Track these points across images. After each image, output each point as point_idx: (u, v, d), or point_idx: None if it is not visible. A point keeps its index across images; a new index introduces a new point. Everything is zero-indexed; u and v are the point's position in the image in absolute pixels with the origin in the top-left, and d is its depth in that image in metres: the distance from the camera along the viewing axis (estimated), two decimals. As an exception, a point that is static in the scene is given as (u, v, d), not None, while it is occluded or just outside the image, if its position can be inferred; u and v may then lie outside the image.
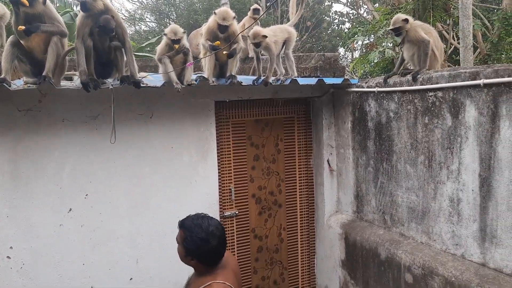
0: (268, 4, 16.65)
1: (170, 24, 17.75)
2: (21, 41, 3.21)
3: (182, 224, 2.23)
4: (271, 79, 3.95)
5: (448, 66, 8.71)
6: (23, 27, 3.03)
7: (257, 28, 3.79)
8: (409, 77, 3.55)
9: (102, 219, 3.68)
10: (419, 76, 3.45)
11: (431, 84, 3.33)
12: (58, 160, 3.52)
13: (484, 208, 2.98)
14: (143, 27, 19.37)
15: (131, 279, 3.81)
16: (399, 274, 3.53)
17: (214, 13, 3.69)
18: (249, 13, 5.50)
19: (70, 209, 3.58)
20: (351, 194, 4.32)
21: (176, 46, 3.55)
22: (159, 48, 3.66)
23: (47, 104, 3.44)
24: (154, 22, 19.52)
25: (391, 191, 3.79)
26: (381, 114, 3.86)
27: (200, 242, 2.16)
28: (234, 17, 3.73)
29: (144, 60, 6.24)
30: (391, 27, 3.65)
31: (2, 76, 3.09)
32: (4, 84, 3.03)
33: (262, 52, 3.98)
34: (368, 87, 3.99)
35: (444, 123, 3.24)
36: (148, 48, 13.10)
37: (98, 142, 3.60)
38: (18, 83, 3.43)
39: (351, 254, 4.15)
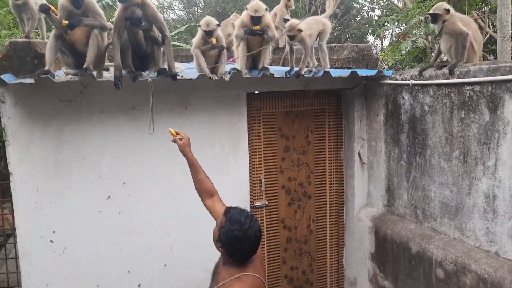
0: (296, -9, 16.46)
1: (198, 12, 17.84)
2: (64, 34, 3.32)
3: (227, 212, 2.28)
4: (304, 70, 3.95)
5: (484, 55, 8.45)
6: (67, 22, 3.14)
7: (293, 21, 3.79)
8: (445, 70, 3.49)
9: (139, 206, 3.82)
10: (456, 69, 3.39)
11: (469, 77, 3.26)
12: (98, 149, 3.65)
13: (522, 205, 2.94)
14: (171, 15, 19.51)
15: (165, 265, 3.94)
16: (430, 269, 3.53)
17: (246, 8, 3.74)
18: (282, 1, 5.46)
19: (109, 197, 3.73)
20: (382, 187, 4.31)
21: (213, 40, 3.61)
22: (194, 40, 3.73)
23: (88, 95, 3.56)
24: (182, 10, 19.64)
25: (424, 185, 3.77)
26: (415, 107, 3.82)
27: (233, 239, 2.20)
28: (266, 9, 3.76)
29: (175, 50, 6.33)
30: (430, 12, 3.57)
31: (46, 68, 3.22)
32: (48, 75, 3.16)
33: (295, 44, 3.98)
34: (402, 79, 3.94)
35: (481, 118, 3.19)
36: (176, 37, 13.23)
37: (136, 132, 3.71)
38: (59, 74, 3.56)
39: (381, 247, 4.16)
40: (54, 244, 3.61)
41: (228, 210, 2.32)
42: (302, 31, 3.74)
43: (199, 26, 3.68)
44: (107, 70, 4.07)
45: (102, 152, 3.68)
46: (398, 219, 4.06)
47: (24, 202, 3.49)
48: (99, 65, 3.53)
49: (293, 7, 5.13)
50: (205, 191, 2.82)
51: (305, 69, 4.01)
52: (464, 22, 3.52)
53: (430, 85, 3.65)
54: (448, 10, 3.49)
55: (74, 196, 3.62)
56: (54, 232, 3.60)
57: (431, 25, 3.70)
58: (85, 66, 3.31)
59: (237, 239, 2.20)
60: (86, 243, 3.69)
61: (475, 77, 3.22)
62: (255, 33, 3.71)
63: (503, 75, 3.00)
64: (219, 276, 2.33)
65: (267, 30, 3.74)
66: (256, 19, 3.68)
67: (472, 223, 3.32)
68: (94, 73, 3.38)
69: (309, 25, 3.87)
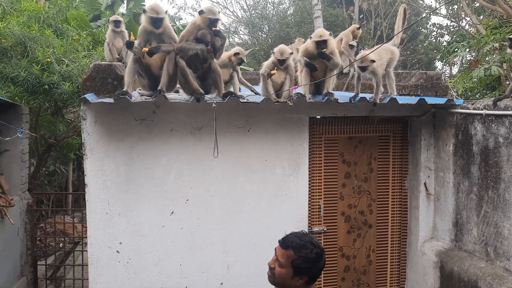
0: (361, 16, 16.40)
1: (262, 37, 18.31)
2: (142, 58, 3.58)
3: (289, 244, 2.11)
4: (368, 96, 3.92)
5: None
6: (147, 49, 3.40)
7: (365, 52, 3.79)
8: (524, 100, 3.29)
9: (200, 223, 3.93)
10: (536, 100, 3.18)
11: (551, 109, 3.05)
12: (165, 166, 3.83)
13: None
14: (236, 39, 20.19)
15: (221, 284, 3.99)
16: (503, 313, 3.26)
17: (310, 37, 3.83)
18: (350, 28, 5.48)
19: (172, 212, 3.87)
20: (450, 221, 4.09)
21: (273, 71, 3.77)
22: (265, 64, 3.87)
23: (159, 115, 3.78)
24: (247, 35, 20.26)
25: (496, 221, 3.52)
26: (488, 139, 3.62)
27: (317, 258, 2.10)
28: (330, 34, 3.81)
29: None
30: (511, 36, 3.40)
31: (125, 89, 3.48)
32: (126, 96, 3.40)
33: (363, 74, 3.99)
34: (474, 109, 3.77)
35: None
36: (241, 61, 13.67)
37: (201, 152, 3.86)
38: (134, 95, 3.82)
39: (446, 284, 3.91)
40: (120, 254, 3.80)
41: (288, 243, 2.13)
42: (374, 61, 3.73)
43: (273, 53, 3.82)
44: (177, 92, 4.30)
45: (169, 169, 3.85)
46: (467, 256, 3.81)
47: (96, 212, 3.73)
48: (171, 87, 3.74)
49: (359, 34, 5.15)
50: None
51: (370, 94, 3.97)
52: None
53: (505, 116, 3.45)
54: None
55: (141, 209, 3.81)
56: (120, 243, 3.79)
57: (508, 50, 3.52)
58: (159, 88, 3.54)
59: (319, 255, 2.11)
60: (148, 255, 3.85)
61: (558, 108, 3.01)
62: (320, 56, 3.75)
63: None
64: None
65: (332, 57, 3.76)
66: (321, 43, 3.74)
67: (553, 267, 3.04)
68: (167, 94, 3.59)
69: (379, 56, 3.86)
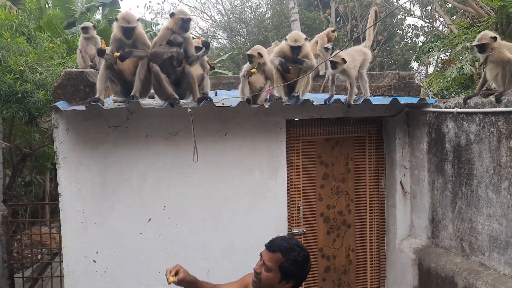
0: (337, 19, 16.59)
1: (241, 41, 18.34)
2: (114, 64, 3.54)
3: (277, 248, 2.09)
4: (343, 98, 3.96)
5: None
6: (118, 54, 3.35)
7: (337, 54, 3.82)
8: (492, 98, 3.38)
9: (178, 230, 3.89)
10: (503, 97, 3.27)
11: (518, 106, 3.14)
12: (141, 173, 3.79)
13: None
14: (215, 44, 20.17)
15: (202, 289, 3.95)
16: (479, 307, 3.32)
17: (285, 39, 3.82)
18: (324, 31, 5.50)
19: (150, 219, 3.83)
20: (426, 218, 4.15)
21: (254, 70, 3.73)
22: (244, 67, 3.87)
23: (134, 122, 3.73)
24: (225, 39, 20.26)
25: (471, 217, 3.59)
26: (460, 136, 3.70)
27: (304, 260, 2.10)
28: (306, 39, 3.83)
29: (218, 78, 6.52)
30: (476, 43, 3.48)
31: (97, 96, 3.43)
32: (98, 103, 3.35)
33: (337, 76, 4.02)
34: (446, 107, 3.84)
35: (532, 148, 3.03)
36: (219, 65, 13.64)
37: (177, 157, 3.83)
38: (108, 101, 3.77)
39: (424, 281, 3.97)
40: (97, 264, 3.73)
41: (275, 246, 2.11)
42: (346, 62, 3.76)
43: (248, 55, 3.81)
44: (152, 97, 4.26)
45: (145, 176, 3.81)
46: (443, 252, 3.87)
47: (71, 222, 3.66)
48: (145, 93, 3.71)
49: (334, 37, 5.20)
50: None
51: (344, 96, 4.01)
52: (511, 50, 3.41)
53: (476, 113, 3.53)
54: (495, 38, 3.40)
55: (117, 217, 3.75)
56: (97, 252, 3.73)
57: (478, 54, 3.60)
58: (132, 93, 3.50)
59: (306, 258, 2.11)
60: (126, 264, 3.79)
61: (524, 105, 3.09)
62: (293, 61, 3.76)
63: (555, 103, 2.86)
64: None
65: (304, 61, 3.78)
66: (296, 49, 3.74)
67: (525, 260, 3.11)
68: (141, 100, 3.56)
69: (352, 57, 3.90)
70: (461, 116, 3.69)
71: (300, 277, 2.13)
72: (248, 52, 3.80)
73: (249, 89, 3.80)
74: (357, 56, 3.99)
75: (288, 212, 4.27)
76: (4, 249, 5.90)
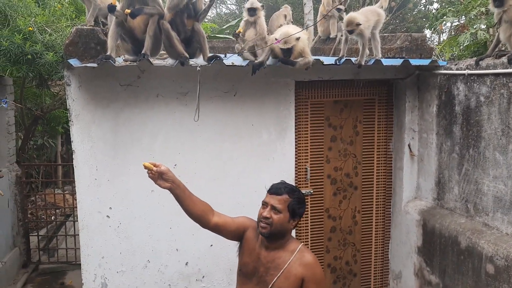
0: (350, -16, 16.13)
1: (250, 6, 18.03)
2: (124, 22, 3.53)
3: (283, 190, 2.37)
4: (353, 59, 3.94)
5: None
6: (129, 11, 3.35)
7: (352, 15, 3.74)
8: (504, 59, 3.34)
9: (188, 187, 3.97)
10: (516, 58, 3.23)
11: (530, 66, 3.11)
12: (152, 132, 3.85)
13: None
14: (224, 9, 19.85)
15: (211, 245, 4.09)
16: (480, 264, 3.41)
17: (275, 39, 3.56)
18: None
19: (161, 177, 3.91)
20: (432, 180, 4.20)
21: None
22: (240, 24, 3.87)
23: (145, 80, 3.76)
24: (234, 5, 19.91)
25: (477, 179, 3.63)
26: (470, 98, 3.69)
27: (304, 198, 2.45)
28: (298, 38, 3.52)
29: (226, 41, 6.48)
30: None
31: (108, 53, 3.44)
32: (109, 60, 3.38)
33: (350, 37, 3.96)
34: (457, 69, 3.82)
35: (542, 109, 3.03)
36: (228, 31, 13.48)
37: (187, 117, 3.87)
38: (119, 60, 3.79)
39: (428, 241, 4.06)
40: (110, 219, 3.85)
41: (281, 189, 2.38)
42: (360, 24, 3.71)
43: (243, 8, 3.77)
44: (161, 56, 4.26)
45: (156, 135, 3.87)
46: (448, 213, 3.94)
47: (85, 178, 3.76)
48: (156, 52, 3.72)
49: None
50: (208, 211, 2.69)
51: (354, 58, 3.99)
52: None
53: (487, 75, 3.51)
54: None
55: (129, 175, 3.84)
56: (110, 208, 3.84)
57: (494, 9, 3.49)
58: (143, 52, 3.51)
59: (304, 197, 2.47)
60: (138, 220, 3.91)
61: (537, 65, 3.06)
62: (284, 62, 3.60)
63: None
64: (280, 260, 2.33)
65: (297, 62, 3.61)
66: (286, 52, 3.52)
67: (528, 219, 3.17)
68: (151, 59, 3.57)
69: (366, 17, 3.83)
70: (472, 78, 3.66)
71: (303, 213, 2.44)
72: (250, 6, 3.74)
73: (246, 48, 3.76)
74: (371, 16, 3.92)
75: (296, 174, 4.34)
76: (19, 208, 6.11)
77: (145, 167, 2.50)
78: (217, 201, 4.04)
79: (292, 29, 3.60)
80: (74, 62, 3.43)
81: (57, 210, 7.34)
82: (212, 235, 4.08)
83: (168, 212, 3.95)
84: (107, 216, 3.85)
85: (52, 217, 7.32)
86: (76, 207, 3.88)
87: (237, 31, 3.85)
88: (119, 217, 3.88)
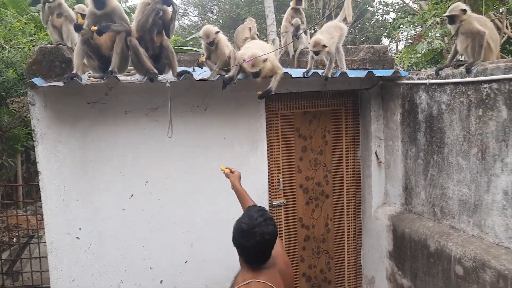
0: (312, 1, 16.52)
1: (212, 18, 18.06)
2: (90, 39, 3.47)
3: (247, 208, 2.27)
4: (320, 71, 4.04)
5: (502, 56, 8.37)
6: (96, 28, 3.29)
7: (318, 38, 3.83)
8: (462, 69, 3.53)
9: (161, 204, 3.93)
10: (473, 68, 3.42)
11: (486, 76, 3.29)
12: (122, 149, 3.78)
13: (541, 201, 2.95)
14: (186, 21, 19.80)
15: (186, 262, 4.04)
16: (449, 266, 3.54)
17: (244, 60, 3.63)
18: (292, 3, 5.56)
19: (132, 195, 3.85)
20: (400, 186, 4.34)
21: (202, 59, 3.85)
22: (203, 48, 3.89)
23: (112, 97, 3.70)
24: (197, 17, 19.91)
25: (442, 183, 3.79)
26: (432, 106, 3.86)
27: (239, 232, 2.15)
28: (265, 60, 3.60)
29: (192, 54, 6.47)
30: (447, 14, 3.61)
31: (74, 71, 3.37)
32: (76, 78, 3.30)
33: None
34: (419, 79, 3.99)
35: (499, 115, 3.21)
36: (191, 43, 13.46)
37: (158, 133, 3.83)
38: (84, 78, 3.71)
39: (399, 245, 4.18)
40: (80, 240, 3.74)
41: (249, 207, 2.28)
42: (326, 46, 3.81)
43: (200, 37, 3.79)
44: (128, 72, 4.21)
45: (126, 152, 3.80)
46: (416, 217, 4.08)
47: (52, 199, 3.63)
48: (123, 68, 3.67)
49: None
50: None
51: (322, 70, 4.09)
52: (481, 22, 3.55)
53: (447, 84, 3.68)
54: (464, 11, 3.53)
55: (99, 194, 3.75)
56: (80, 229, 3.73)
57: (448, 26, 3.74)
58: (110, 69, 3.46)
59: (242, 232, 2.13)
60: (110, 240, 3.81)
61: (492, 75, 3.25)
62: (260, 97, 3.85)
63: (521, 72, 3.03)
64: (235, 280, 2.25)
65: (271, 90, 3.74)
66: (254, 74, 3.62)
67: (491, 220, 3.33)
68: (119, 76, 3.52)
69: (330, 34, 3.95)
70: (433, 87, 3.84)
71: (237, 246, 2.17)
72: (207, 40, 3.70)
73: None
74: (334, 32, 4.04)
75: (269, 185, 4.38)
76: (-21, 232, 5.79)
77: (221, 170, 2.99)
78: (192, 217, 4.03)
79: (259, 51, 3.60)
80: (38, 81, 3.33)
81: (20, 232, 7.01)
82: (187, 251, 4.07)
83: (141, 230, 3.88)
84: (77, 237, 3.73)
85: (15, 239, 6.99)
86: (41, 228, 3.73)
87: (200, 61, 3.86)
88: (90, 237, 3.76)
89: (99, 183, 3.76)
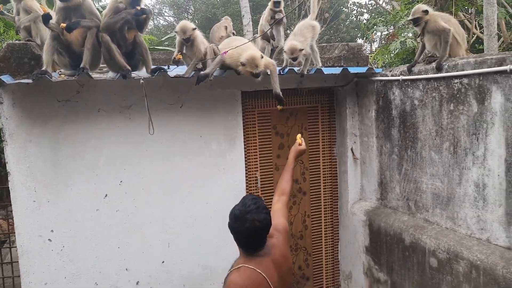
0: (285, -4, 16.62)
1: (188, 18, 17.92)
2: (60, 35, 3.38)
3: (242, 198, 2.45)
4: (296, 68, 4.05)
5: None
6: (65, 25, 3.20)
7: (293, 44, 3.80)
8: (434, 65, 3.60)
9: (136, 204, 3.85)
10: (443, 64, 3.50)
11: (457, 71, 3.37)
12: (95, 148, 3.69)
13: (510, 192, 3.04)
14: (161, 21, 19.60)
15: (163, 262, 3.98)
16: (424, 258, 3.61)
17: (242, 64, 3.51)
18: (270, 4, 5.50)
19: (106, 195, 3.76)
20: (375, 181, 4.40)
21: (178, 56, 3.76)
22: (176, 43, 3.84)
23: (85, 95, 3.61)
24: (172, 17, 19.73)
25: (416, 177, 3.86)
26: (405, 102, 3.92)
27: (233, 217, 2.32)
28: (262, 57, 3.56)
29: (167, 53, 6.39)
30: (410, 18, 3.74)
31: (44, 68, 3.27)
32: (46, 75, 3.20)
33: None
34: (392, 75, 4.05)
35: (470, 110, 3.29)
36: (167, 43, 13.33)
37: (132, 131, 3.76)
38: (55, 75, 3.61)
39: (375, 240, 4.24)
40: (53, 242, 3.63)
41: (245, 196, 2.46)
42: (302, 50, 3.82)
43: (176, 32, 3.72)
44: (101, 69, 4.12)
45: (99, 151, 3.72)
46: (391, 212, 4.14)
47: (22, 201, 3.52)
48: (95, 65, 3.59)
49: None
50: (280, 188, 2.93)
51: (297, 68, 4.10)
52: (445, 19, 3.65)
53: (419, 80, 3.76)
54: (426, 11, 3.64)
55: (71, 195, 3.65)
56: (52, 231, 3.62)
57: (415, 28, 3.84)
58: (81, 65, 3.37)
59: (235, 218, 2.29)
60: (84, 241, 3.71)
61: (463, 70, 3.33)
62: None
63: (490, 67, 3.12)
64: (232, 264, 2.39)
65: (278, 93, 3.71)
66: (256, 75, 3.55)
67: (464, 212, 3.41)
68: (91, 73, 3.44)
69: (303, 36, 3.95)
70: (406, 83, 3.91)
71: (232, 231, 2.33)
72: (184, 36, 3.64)
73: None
74: (307, 32, 4.05)
75: (246, 183, 4.36)
76: None
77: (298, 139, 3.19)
78: (169, 216, 3.98)
79: (257, 52, 3.56)
80: (6, 78, 3.21)
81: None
82: (164, 251, 4.01)
83: (116, 231, 3.80)
84: (49, 239, 3.62)
85: (-17, 246, 6.73)
86: (13, 233, 3.61)
87: (176, 58, 3.80)
88: (62, 239, 3.66)
89: (72, 183, 3.66)
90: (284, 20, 5.31)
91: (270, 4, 5.38)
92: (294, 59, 3.85)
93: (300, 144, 3.15)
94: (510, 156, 3.02)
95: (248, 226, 2.25)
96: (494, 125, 3.12)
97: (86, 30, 3.40)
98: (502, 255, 3.04)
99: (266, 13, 5.67)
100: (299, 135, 3.21)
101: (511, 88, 2.96)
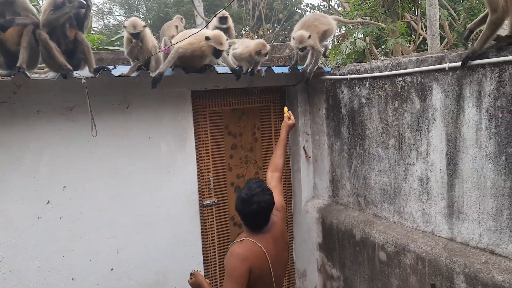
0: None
1: (140, 17, 17.48)
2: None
3: (247, 181, 2.76)
4: (244, 68, 4.03)
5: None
6: None
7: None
8: (379, 63, 3.69)
9: (81, 210, 3.68)
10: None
11: (400, 69, 3.48)
12: (34, 152, 3.48)
13: (451, 185, 3.16)
14: (112, 21, 19.02)
15: (112, 269, 3.82)
16: (374, 253, 3.69)
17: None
18: (215, 21, 5.23)
19: (48, 201, 3.56)
20: (327, 179, 4.46)
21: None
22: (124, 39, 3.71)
23: (22, 96, 3.40)
24: (123, 16, 19.18)
25: (365, 174, 3.94)
26: (353, 101, 4.00)
27: (240, 201, 2.63)
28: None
29: (115, 52, 6.18)
30: (300, 47, 3.86)
31: (-25, 68, 3.04)
32: (-24, 76, 2.98)
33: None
34: (340, 74, 4.12)
35: (413, 107, 3.40)
36: (118, 42, 12.94)
37: (75, 133, 3.59)
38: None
39: (327, 237, 4.29)
40: (-11, 254, 3.39)
41: (249, 180, 2.75)
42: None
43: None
44: (42, 69, 3.91)
45: (40, 155, 3.51)
46: (343, 208, 4.21)
47: (-47, 211, 3.26)
48: (33, 64, 3.39)
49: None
50: (274, 164, 3.28)
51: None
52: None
53: (366, 78, 3.84)
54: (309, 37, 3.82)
55: (10, 202, 3.42)
56: (-11, 242, 3.38)
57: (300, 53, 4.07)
58: (18, 65, 3.17)
59: (242, 201, 2.60)
60: (25, 251, 3.50)
61: (406, 68, 3.43)
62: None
63: (430, 65, 3.23)
64: (236, 237, 2.77)
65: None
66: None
67: (409, 206, 3.52)
68: (28, 73, 3.24)
69: (245, 46, 3.96)
70: (353, 81, 3.98)
71: (240, 215, 2.66)
72: (134, 31, 3.54)
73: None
74: (249, 42, 4.05)
75: (199, 184, 4.28)
76: None
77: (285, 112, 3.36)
78: (117, 221, 3.83)
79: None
80: None
81: None
82: (112, 258, 3.85)
83: (60, 238, 3.61)
84: (-14, 251, 3.37)
85: None
86: None
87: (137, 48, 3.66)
88: (2, 250, 3.42)
89: (10, 190, 3.43)
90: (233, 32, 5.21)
91: (215, 21, 5.12)
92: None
93: (289, 118, 3.35)
94: (450, 151, 3.14)
95: (255, 207, 2.57)
96: (435, 121, 3.24)
97: (22, 27, 3.20)
98: (445, 246, 3.16)
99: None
100: (285, 108, 3.32)
101: (450, 85, 3.09)
